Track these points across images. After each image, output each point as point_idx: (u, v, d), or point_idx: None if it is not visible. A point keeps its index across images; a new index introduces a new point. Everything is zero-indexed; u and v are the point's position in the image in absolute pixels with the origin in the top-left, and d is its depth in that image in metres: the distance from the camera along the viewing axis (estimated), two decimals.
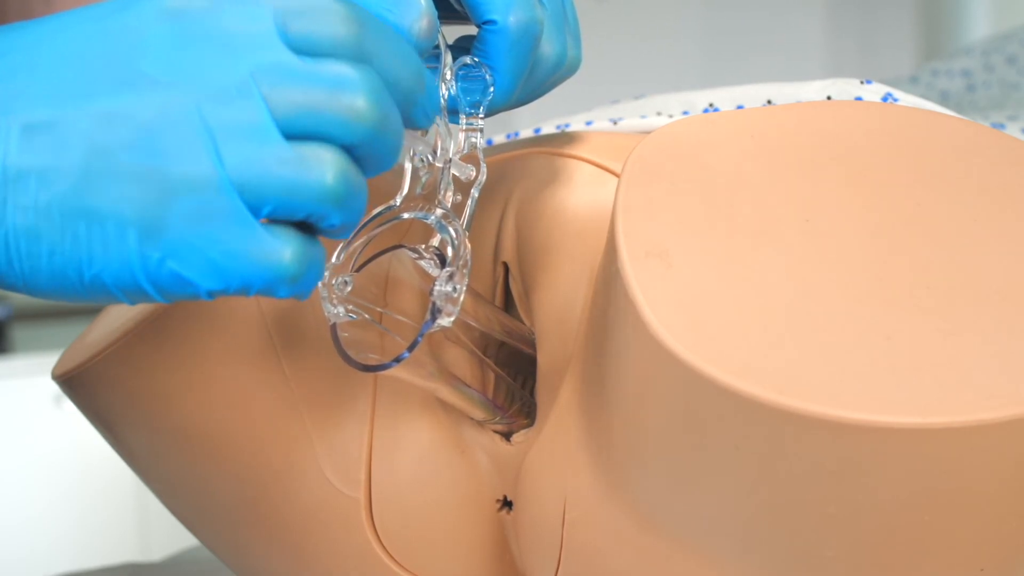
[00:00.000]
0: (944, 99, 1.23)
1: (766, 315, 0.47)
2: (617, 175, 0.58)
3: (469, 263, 0.53)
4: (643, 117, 0.67)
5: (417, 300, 0.58)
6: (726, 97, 0.66)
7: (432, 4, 0.52)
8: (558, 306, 0.58)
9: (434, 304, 0.52)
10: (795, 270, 0.48)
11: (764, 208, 0.50)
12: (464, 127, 0.55)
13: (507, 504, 0.60)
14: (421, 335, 0.52)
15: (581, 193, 0.59)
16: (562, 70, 0.58)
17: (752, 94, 0.65)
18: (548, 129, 0.69)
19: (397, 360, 0.52)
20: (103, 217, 0.42)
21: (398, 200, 0.54)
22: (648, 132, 0.61)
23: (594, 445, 0.53)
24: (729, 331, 0.46)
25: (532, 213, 0.60)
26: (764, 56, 1.93)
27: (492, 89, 0.55)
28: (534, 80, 0.57)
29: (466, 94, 0.55)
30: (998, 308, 0.47)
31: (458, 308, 0.52)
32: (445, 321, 0.52)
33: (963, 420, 0.44)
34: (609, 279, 0.50)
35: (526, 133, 0.69)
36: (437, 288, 0.52)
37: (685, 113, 0.67)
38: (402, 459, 0.59)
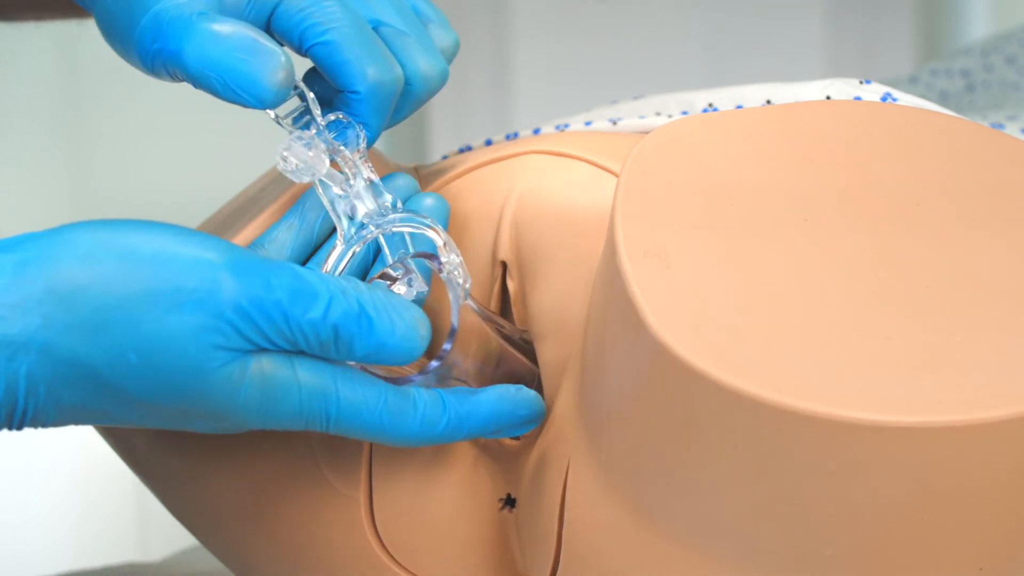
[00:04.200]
0: (943, 99, 1.23)
1: (765, 315, 0.47)
2: (616, 175, 0.58)
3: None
4: (642, 117, 0.66)
5: None
6: (725, 97, 0.66)
7: (289, 56, 0.54)
8: (557, 305, 0.58)
9: (451, 279, 0.55)
10: (794, 270, 0.48)
11: (763, 208, 0.50)
12: (354, 164, 0.57)
13: (510, 502, 0.60)
14: (456, 313, 0.53)
15: (580, 193, 0.59)
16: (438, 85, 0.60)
17: (751, 94, 0.65)
18: (547, 129, 0.69)
19: (444, 352, 0.54)
20: None
21: (340, 241, 0.56)
22: (647, 132, 0.61)
23: (593, 444, 0.53)
24: (728, 330, 0.46)
25: (531, 212, 0.60)
26: (764, 56, 1.93)
27: (364, 138, 0.57)
28: (412, 107, 0.59)
29: (341, 141, 0.57)
30: (997, 307, 0.47)
31: (468, 273, 0.55)
32: (468, 286, 0.55)
33: (962, 419, 0.44)
34: (608, 279, 0.50)
35: (525, 133, 0.69)
36: (446, 260, 0.55)
37: (684, 113, 0.67)
38: (401, 458, 0.59)
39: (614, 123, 0.67)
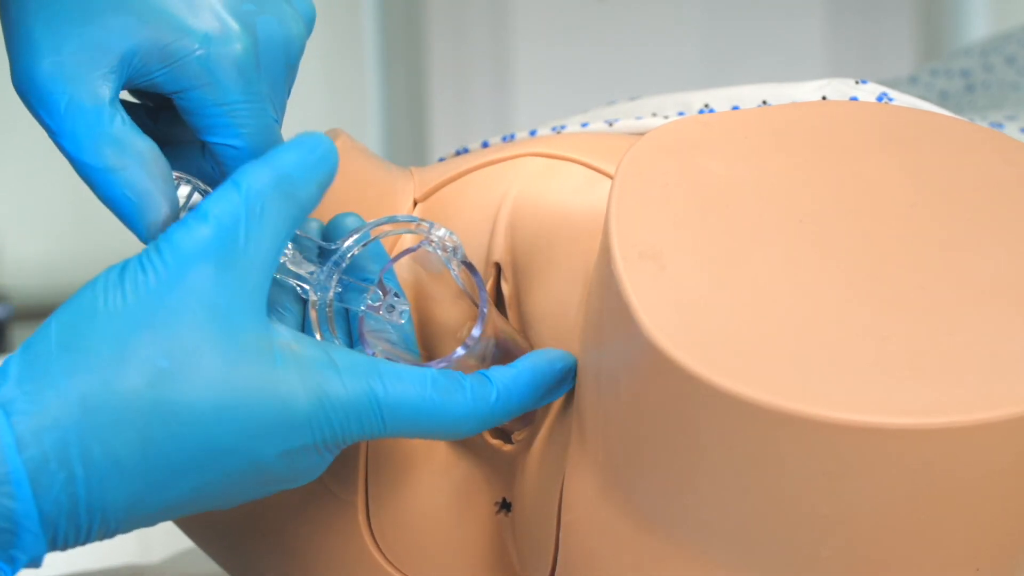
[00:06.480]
0: (943, 99, 1.23)
1: (760, 316, 0.47)
2: (611, 177, 0.58)
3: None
4: (639, 118, 0.66)
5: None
6: (722, 97, 0.66)
7: (177, 202, 0.53)
8: (552, 308, 0.58)
9: (457, 246, 0.55)
10: (789, 271, 0.48)
11: (758, 209, 0.50)
12: None
13: (506, 506, 0.60)
14: (484, 299, 0.53)
15: (575, 195, 0.59)
16: None
17: (747, 95, 0.65)
18: (544, 131, 0.69)
19: (472, 339, 0.53)
20: None
21: (312, 294, 0.54)
22: (643, 133, 0.61)
23: (590, 447, 0.53)
24: (723, 333, 0.46)
25: (526, 215, 0.60)
26: (764, 57, 1.93)
27: None
28: None
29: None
30: (993, 308, 0.47)
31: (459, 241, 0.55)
32: (461, 251, 0.55)
33: (958, 420, 0.44)
34: (603, 281, 0.50)
35: (521, 135, 0.69)
36: (436, 235, 0.54)
37: (681, 114, 0.67)
38: (398, 463, 0.59)
39: (610, 124, 0.67)
